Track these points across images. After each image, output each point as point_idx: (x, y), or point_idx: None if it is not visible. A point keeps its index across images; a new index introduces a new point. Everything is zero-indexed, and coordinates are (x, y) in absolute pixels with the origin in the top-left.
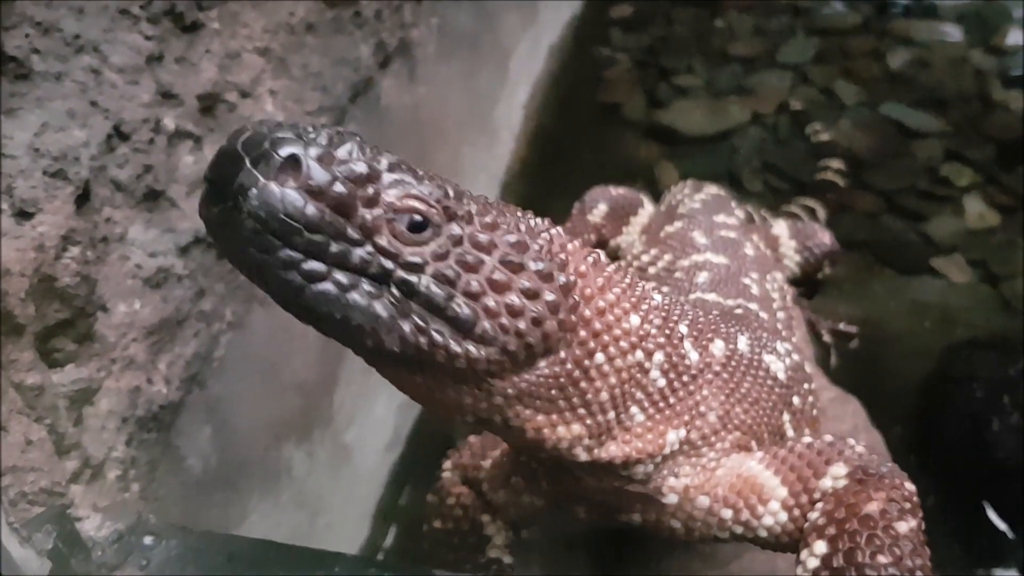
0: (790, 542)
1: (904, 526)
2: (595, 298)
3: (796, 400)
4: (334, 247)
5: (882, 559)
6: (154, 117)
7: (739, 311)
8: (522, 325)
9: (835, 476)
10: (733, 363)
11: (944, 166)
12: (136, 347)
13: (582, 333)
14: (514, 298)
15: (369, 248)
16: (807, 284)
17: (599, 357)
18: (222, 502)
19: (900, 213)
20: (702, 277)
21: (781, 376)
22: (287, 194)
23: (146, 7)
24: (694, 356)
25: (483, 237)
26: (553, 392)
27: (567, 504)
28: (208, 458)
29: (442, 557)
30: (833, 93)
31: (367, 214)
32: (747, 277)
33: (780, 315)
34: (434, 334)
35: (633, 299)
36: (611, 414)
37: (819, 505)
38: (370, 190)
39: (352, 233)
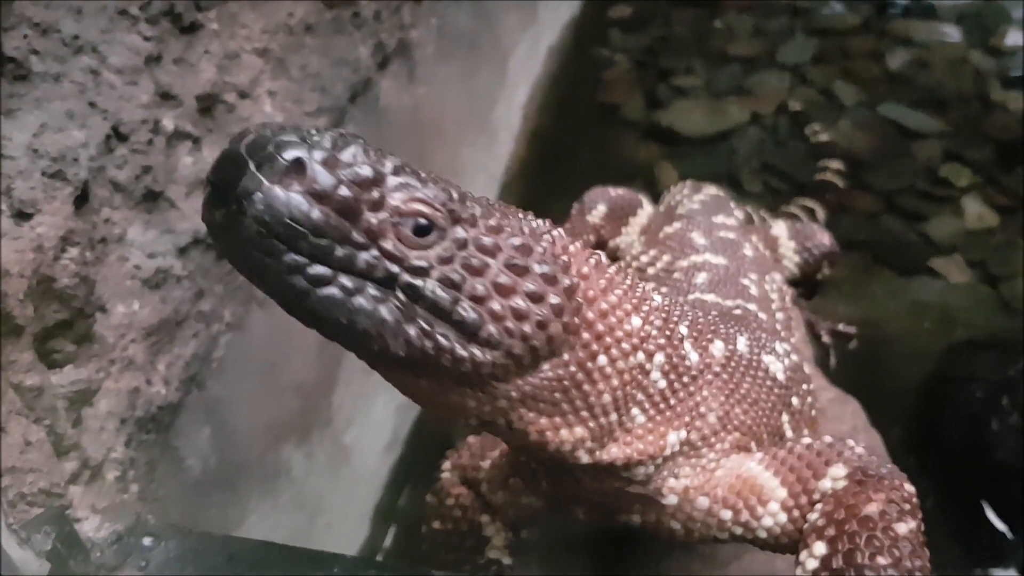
0: (789, 543)
1: (903, 527)
2: (598, 300)
3: (795, 401)
4: (339, 251)
5: (881, 560)
6: (153, 118)
7: (738, 312)
8: (527, 328)
9: (835, 477)
10: (733, 364)
11: (943, 167)
12: (135, 348)
13: (585, 335)
14: (519, 301)
15: (374, 252)
16: (806, 285)
17: (602, 359)
18: (221, 503)
19: (899, 214)
20: (701, 278)
21: (780, 377)
22: (292, 198)
23: (145, 8)
24: (694, 357)
25: (487, 240)
26: (556, 395)
27: (566, 505)
28: (207, 459)
29: (441, 558)
30: (832, 94)
31: (372, 218)
32: (746, 278)
33: (779, 316)
34: (439, 338)
35: (634, 300)
36: (613, 416)
37: (818, 506)
38: (375, 194)
39: (357, 237)
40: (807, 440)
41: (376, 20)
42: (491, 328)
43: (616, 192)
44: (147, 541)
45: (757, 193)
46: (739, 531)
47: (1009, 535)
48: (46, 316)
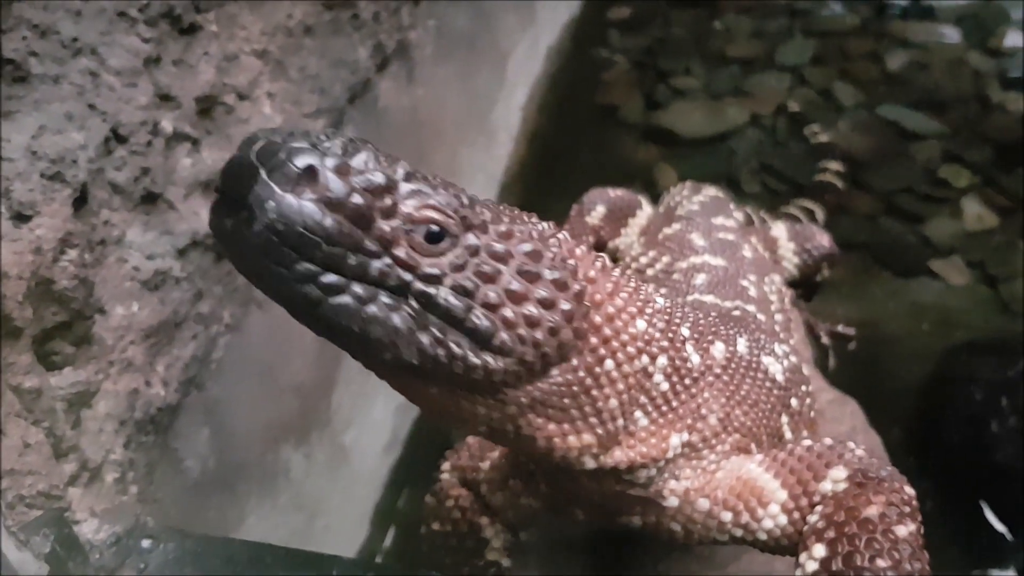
0: (789, 545)
1: (903, 530)
2: (604, 304)
3: (794, 402)
4: (352, 259)
5: (881, 563)
6: (152, 119)
7: (737, 313)
8: (539, 335)
9: (835, 479)
10: (733, 365)
11: (942, 168)
12: (134, 349)
13: (592, 340)
14: (531, 308)
15: (387, 260)
16: (805, 286)
17: (608, 363)
18: (220, 504)
19: (898, 215)
20: (700, 279)
21: (779, 378)
22: (305, 206)
23: (144, 10)
24: (695, 359)
25: (499, 247)
26: (566, 400)
27: (565, 506)
28: (206, 460)
29: (440, 560)
30: (831, 95)
31: (385, 225)
32: (745, 279)
33: (778, 317)
34: (452, 346)
35: (639, 303)
36: (620, 421)
37: (818, 508)
38: (387, 201)
39: (370, 245)
40: (807, 442)
41: (375, 21)
42: (504, 335)
43: (615, 193)
44: (146, 543)
45: (756, 194)
46: (739, 533)
47: (1009, 536)
48: (45, 318)
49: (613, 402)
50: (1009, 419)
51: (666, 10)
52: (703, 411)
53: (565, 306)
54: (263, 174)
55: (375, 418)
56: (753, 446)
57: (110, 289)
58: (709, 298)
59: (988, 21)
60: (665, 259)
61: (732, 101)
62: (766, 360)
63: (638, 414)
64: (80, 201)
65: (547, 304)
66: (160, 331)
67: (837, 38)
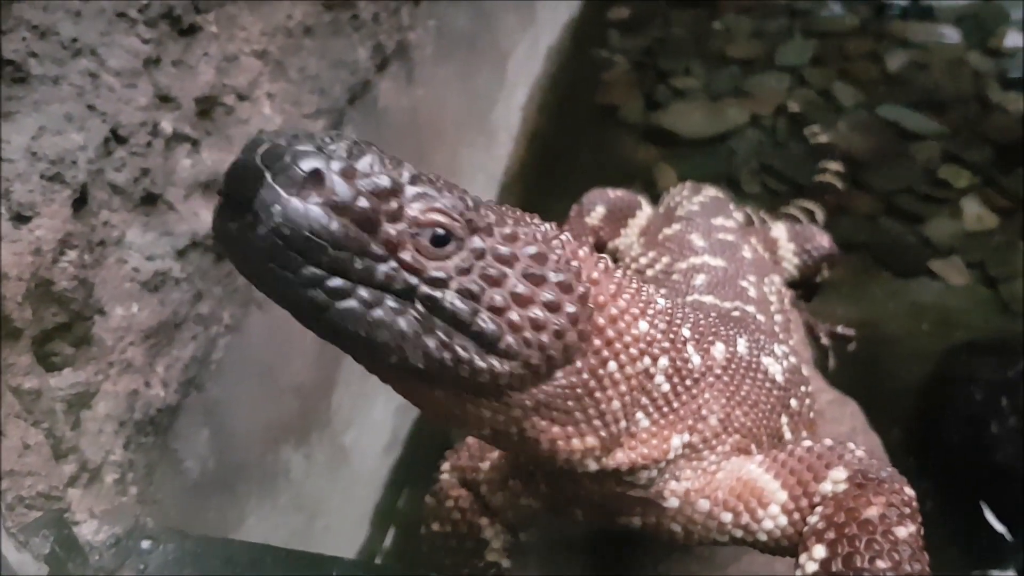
0: (789, 546)
1: (903, 531)
2: (607, 305)
3: (794, 403)
4: (358, 263)
5: (881, 564)
6: (151, 120)
7: (736, 313)
8: (545, 338)
9: (835, 480)
10: (733, 366)
11: (942, 168)
12: (134, 350)
13: (596, 342)
14: (537, 311)
15: (393, 264)
16: (805, 287)
17: (611, 365)
18: (220, 505)
19: (898, 215)
20: (699, 279)
21: (779, 378)
22: (311, 210)
23: (143, 10)
24: (696, 360)
25: (504, 250)
26: (570, 403)
27: (565, 506)
28: (206, 461)
29: (439, 560)
30: (831, 95)
31: (391, 229)
32: (745, 280)
33: (778, 318)
34: (458, 349)
35: (641, 304)
36: (623, 423)
37: (819, 509)
38: (393, 204)
39: (376, 249)
40: (807, 443)
41: (375, 22)
42: (510, 339)
43: (615, 193)
44: (145, 544)
45: (756, 194)
46: (739, 534)
47: (1008, 537)
48: (45, 319)
49: (616, 404)
50: (1009, 419)
51: (666, 10)
52: (704, 412)
53: (570, 309)
54: (268, 177)
55: (375, 419)
56: (753, 447)
57: (110, 290)
58: (709, 299)
59: (988, 21)
60: (665, 260)
61: (732, 101)
62: (766, 361)
63: (639, 415)
64: (80, 202)
65: (552, 307)
66: (160, 332)
67: (837, 38)
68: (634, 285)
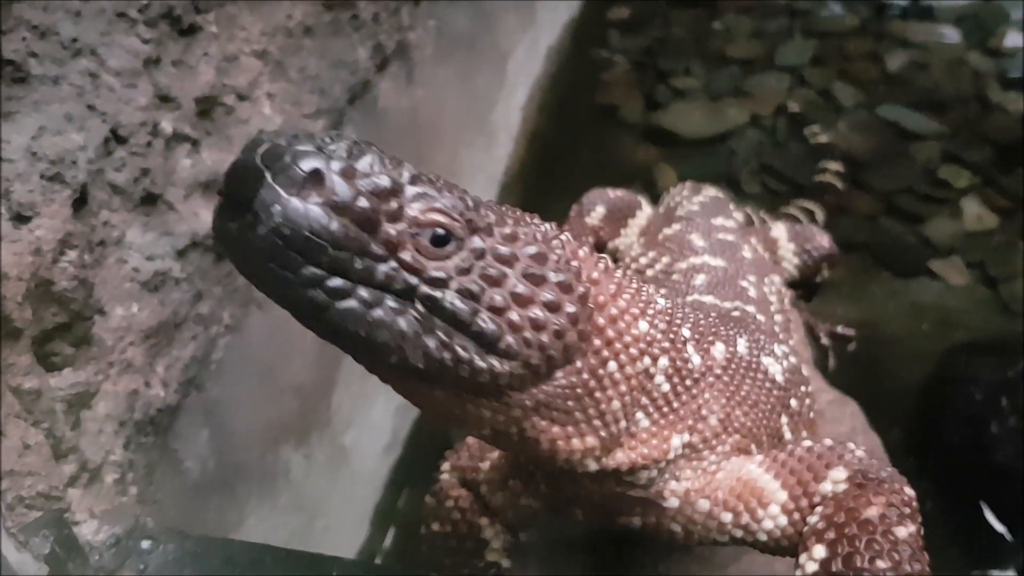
0: (789, 546)
1: (903, 531)
2: (607, 305)
3: (793, 403)
4: (358, 264)
5: (881, 564)
6: (151, 120)
7: (736, 313)
8: (545, 338)
9: (835, 480)
10: (733, 366)
11: (942, 168)
12: (134, 350)
13: (596, 342)
14: (537, 311)
15: (393, 264)
16: (805, 287)
17: (611, 365)
18: (220, 505)
19: (898, 215)
20: (699, 279)
21: (779, 378)
22: (311, 210)
23: (143, 10)
24: (696, 360)
25: (504, 250)
26: (570, 403)
27: (565, 506)
28: (206, 461)
29: (439, 561)
30: (831, 95)
31: (391, 229)
32: (744, 280)
33: (777, 318)
34: (458, 349)
35: (640, 304)
36: (623, 423)
37: (819, 509)
38: (393, 204)
39: (376, 249)
40: (807, 442)
41: (375, 22)
42: (510, 339)
43: (615, 193)
44: (145, 544)
45: (756, 195)
46: (739, 534)
47: (1008, 537)
48: (44, 319)
49: (616, 404)
50: (1009, 419)
51: (666, 10)
52: (704, 412)
53: (570, 309)
54: (268, 177)
55: (375, 419)
56: (753, 447)
57: (110, 290)
58: (708, 299)
59: (988, 21)
60: (665, 260)
61: (732, 101)
62: (766, 360)
63: (639, 415)
64: (80, 202)
65: (552, 307)
66: (160, 332)
67: (837, 38)
68: (634, 285)
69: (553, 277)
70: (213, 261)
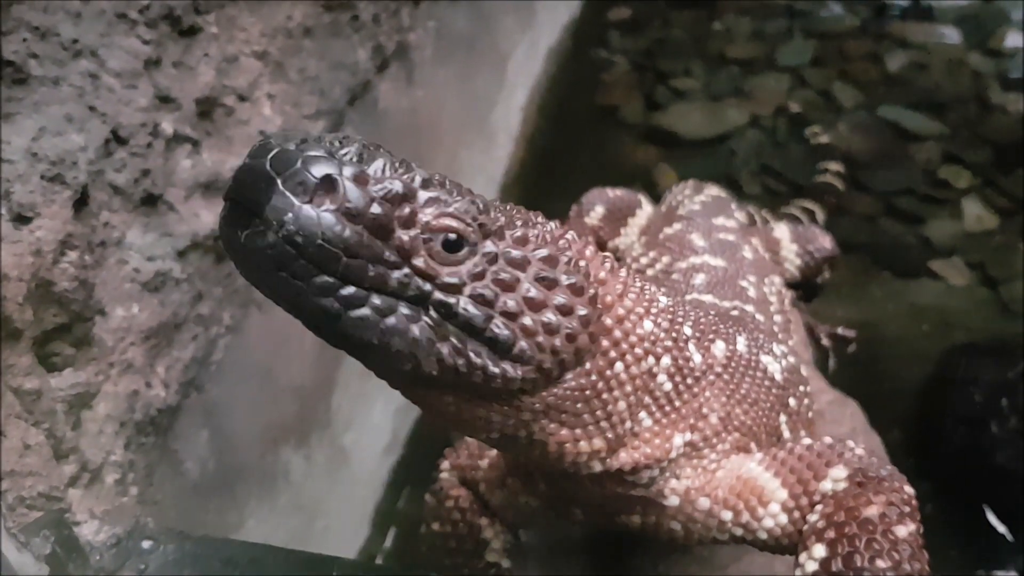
0: (789, 544)
1: (903, 530)
2: (615, 306)
3: (792, 402)
4: (371, 271)
5: (881, 563)
6: (152, 121)
7: (735, 313)
8: (558, 342)
9: (835, 479)
10: (733, 364)
11: (942, 168)
12: (134, 351)
13: (604, 343)
14: (550, 315)
15: (406, 270)
16: (806, 287)
17: (618, 366)
18: (220, 506)
19: (898, 216)
20: (699, 279)
21: (778, 377)
22: (324, 218)
23: (144, 11)
24: (697, 358)
25: (516, 254)
26: (579, 405)
27: (564, 505)
28: (206, 462)
29: (439, 561)
30: (831, 95)
31: (404, 235)
32: (744, 280)
33: (777, 318)
34: (472, 355)
35: (645, 304)
36: (628, 424)
37: (819, 508)
38: (406, 210)
39: (389, 255)
40: (807, 441)
41: (374, 23)
42: (523, 344)
43: (614, 193)
44: (146, 544)
45: (756, 195)
46: (739, 532)
47: (1009, 537)
48: (45, 320)
49: (621, 404)
50: (1009, 420)
51: (666, 11)
52: (704, 410)
53: (582, 311)
54: (279, 184)
55: (375, 420)
56: (753, 445)
57: (110, 291)
58: (708, 298)
59: (988, 22)
60: (665, 259)
61: (732, 102)
62: (765, 359)
63: (643, 415)
64: (80, 203)
65: (565, 310)
66: (160, 333)
67: (837, 39)
68: (638, 284)
69: (565, 280)
70: (213, 262)
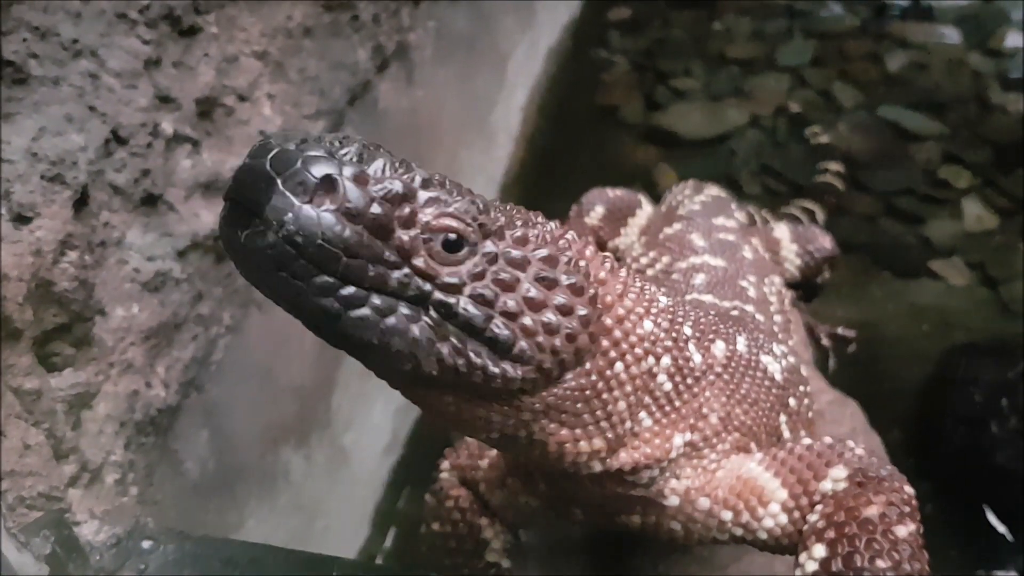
0: (789, 544)
1: (903, 530)
2: (615, 306)
3: (792, 402)
4: (371, 271)
5: (881, 563)
6: (152, 121)
7: (735, 313)
8: (558, 342)
9: (835, 479)
10: (733, 364)
11: (942, 168)
12: (134, 351)
13: (604, 343)
14: (550, 316)
15: (406, 270)
16: (806, 287)
17: (618, 366)
18: (220, 506)
19: (898, 216)
20: (699, 279)
21: (778, 377)
22: (324, 218)
23: (144, 11)
24: (697, 358)
25: (516, 254)
26: (579, 405)
27: (564, 505)
28: (206, 462)
29: (439, 561)
30: (831, 95)
31: (404, 235)
32: (744, 280)
33: (777, 318)
34: (472, 356)
35: (645, 303)
36: (628, 424)
37: (819, 508)
38: (406, 210)
39: (389, 255)
40: (807, 441)
41: (374, 23)
42: (523, 344)
43: (614, 193)
44: (146, 544)
45: (756, 195)
46: (739, 532)
47: (1009, 537)
48: (45, 320)
49: (621, 404)
50: (1009, 420)
51: (666, 11)
52: (704, 410)
53: (582, 311)
54: (279, 184)
55: (375, 420)
56: (753, 445)
57: (110, 291)
58: (708, 298)
59: (988, 22)
60: (665, 259)
61: (732, 102)
62: (765, 359)
63: (643, 415)
64: (80, 203)
65: (565, 310)
66: (160, 333)
67: (837, 39)
68: (638, 284)
69: (565, 280)
70: (213, 262)
